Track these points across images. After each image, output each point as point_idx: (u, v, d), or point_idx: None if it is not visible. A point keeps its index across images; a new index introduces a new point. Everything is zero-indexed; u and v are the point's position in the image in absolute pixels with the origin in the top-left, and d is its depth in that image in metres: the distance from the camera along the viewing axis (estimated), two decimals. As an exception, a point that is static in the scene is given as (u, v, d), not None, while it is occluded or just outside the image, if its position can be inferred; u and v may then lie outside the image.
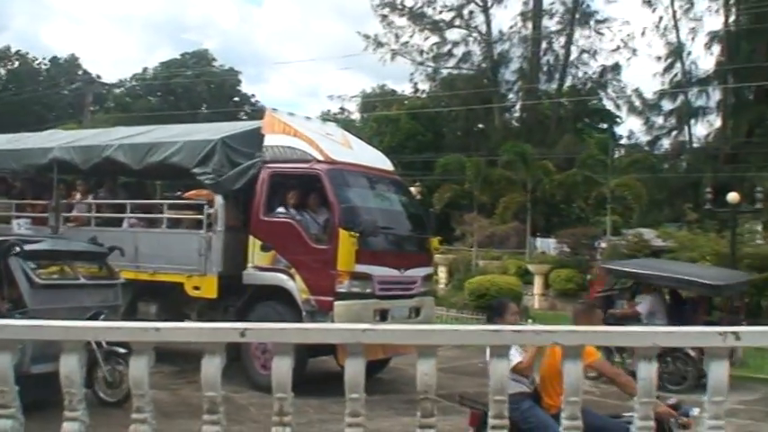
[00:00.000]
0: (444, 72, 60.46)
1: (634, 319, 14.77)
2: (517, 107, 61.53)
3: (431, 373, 4.59)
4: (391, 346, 11.56)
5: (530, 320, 20.67)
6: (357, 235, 12.00)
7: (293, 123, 13.69)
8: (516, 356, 6.26)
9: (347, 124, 53.11)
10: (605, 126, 61.59)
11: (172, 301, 13.66)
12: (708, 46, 55.00)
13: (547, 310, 30.72)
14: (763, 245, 22.88)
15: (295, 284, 12.41)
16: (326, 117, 60.66)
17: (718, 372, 4.60)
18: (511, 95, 61.65)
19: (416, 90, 62.76)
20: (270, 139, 13.38)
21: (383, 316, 12.40)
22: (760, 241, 23.71)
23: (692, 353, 13.43)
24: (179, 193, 15.63)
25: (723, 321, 15.25)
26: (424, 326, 4.92)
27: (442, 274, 33.60)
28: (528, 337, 5.08)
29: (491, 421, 4.67)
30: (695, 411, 5.96)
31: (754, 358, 15.86)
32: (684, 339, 5.21)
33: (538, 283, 32.63)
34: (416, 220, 14.31)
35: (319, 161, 12.85)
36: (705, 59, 75.72)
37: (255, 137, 13.59)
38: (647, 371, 4.57)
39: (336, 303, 11.94)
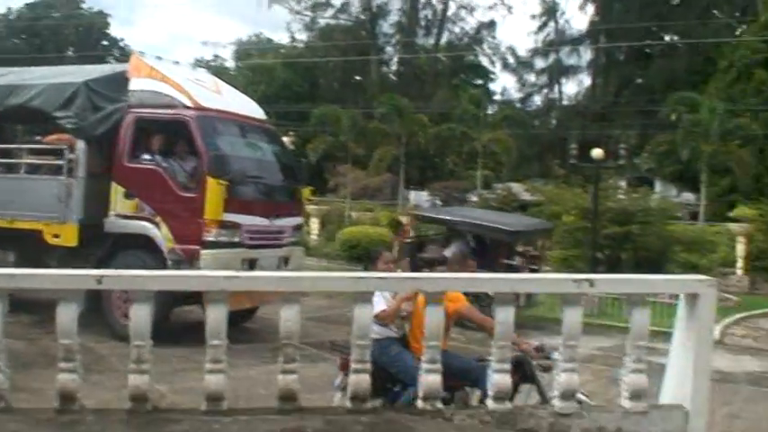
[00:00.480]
0: (322, 22, 60.14)
1: (443, 263, 15.39)
2: (395, 60, 61.83)
3: (294, 320, 4.61)
4: (258, 294, 11.56)
5: (399, 270, 21.01)
6: (225, 183, 11.82)
7: (160, 68, 13.28)
8: (381, 304, 6.37)
9: (221, 72, 51.97)
10: (480, 82, 62.68)
11: (31, 250, 13.10)
12: (582, 6, 56.77)
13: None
14: (624, 200, 23.86)
15: (160, 233, 12.14)
16: (200, 64, 59.24)
17: (572, 318, 4.82)
18: (389, 48, 61.93)
19: (293, 39, 62.30)
20: (136, 84, 12.94)
21: (251, 265, 12.32)
22: (622, 196, 24.72)
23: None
24: (39, 137, 14.95)
25: (522, 267, 16.08)
26: (287, 273, 4.94)
27: (315, 225, 33.60)
28: (392, 284, 5.19)
29: (353, 365, 4.75)
30: (556, 354, 6.23)
31: (612, 307, 16.67)
32: (540, 286, 5.42)
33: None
34: (288, 170, 14.21)
35: (187, 107, 12.53)
36: (579, 19, 77.94)
37: (121, 81, 13.11)
38: (505, 315, 4.74)
39: (203, 252, 11.77)
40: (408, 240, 17.65)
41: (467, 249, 15.76)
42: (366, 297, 4.69)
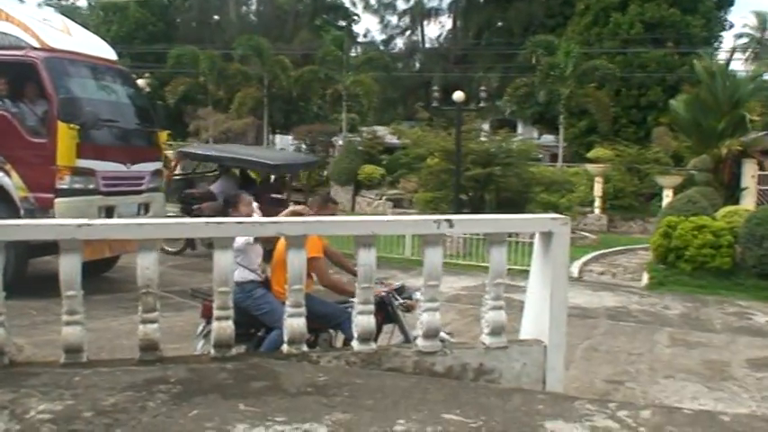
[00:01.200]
0: (176, -42, 57.90)
1: (210, 198, 16.10)
2: (254, 0, 60.56)
3: (152, 268, 4.54)
4: (118, 243, 11.26)
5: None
6: (77, 128, 11.35)
7: (4, 7, 12.52)
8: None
9: (72, 12, 49.58)
10: (343, 23, 62.26)
11: None
12: (442, -53, 56.89)
13: (283, 207, 31.19)
14: (486, 142, 24.35)
15: (11, 181, 11.56)
16: (49, 3, 56.26)
17: (432, 258, 4.95)
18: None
19: (147, -23, 59.68)
20: (-23, 25, 12.18)
21: (109, 213, 11.96)
22: (484, 139, 25.20)
23: None
24: None
25: (288, 200, 16.56)
26: (142, 220, 4.82)
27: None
28: (252, 229, 5.15)
29: (216, 312, 4.74)
30: (418, 294, 6.36)
31: (477, 247, 17.13)
32: (400, 227, 5.52)
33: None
34: (143, 113, 13.76)
35: (35, 48, 11.88)
36: (440, -40, 77.95)
37: (-41, 21, 12.30)
38: (366, 257, 4.81)
39: (57, 200, 11.31)
40: (176, 177, 17.96)
41: (233, 185, 16.19)
42: (226, 243, 4.65)
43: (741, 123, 22.26)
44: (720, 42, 44.96)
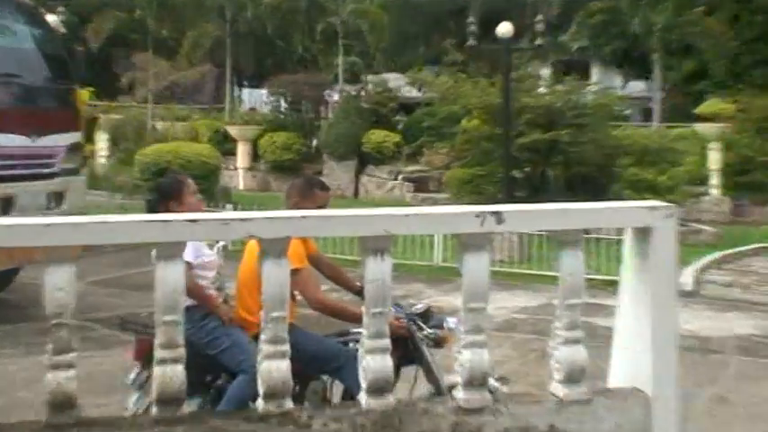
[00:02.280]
0: None
1: None
2: None
3: (66, 287, 4.46)
4: (18, 251, 11.26)
5: (229, 207, 20.94)
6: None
7: None
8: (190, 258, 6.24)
9: None
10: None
11: None
12: None
13: (258, 192, 31.27)
14: (547, 94, 24.27)
15: None
16: None
17: (475, 268, 4.83)
18: None
19: None
20: None
21: (6, 206, 12.01)
22: (543, 90, 25.13)
23: None
24: None
25: None
26: (57, 219, 4.74)
27: (103, 143, 33.04)
28: (212, 229, 5.06)
29: (158, 353, 4.63)
30: (452, 322, 6.27)
31: (540, 249, 17.01)
32: (427, 224, 5.42)
33: (243, 152, 33.02)
34: (54, 64, 13.78)
35: None
36: None
37: None
38: (378, 269, 4.71)
39: None
40: None
41: None
42: (174, 251, 4.57)
43: None
44: None
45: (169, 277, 4.55)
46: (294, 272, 6.15)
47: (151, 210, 6.46)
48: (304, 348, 5.76)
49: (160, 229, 4.60)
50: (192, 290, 6.23)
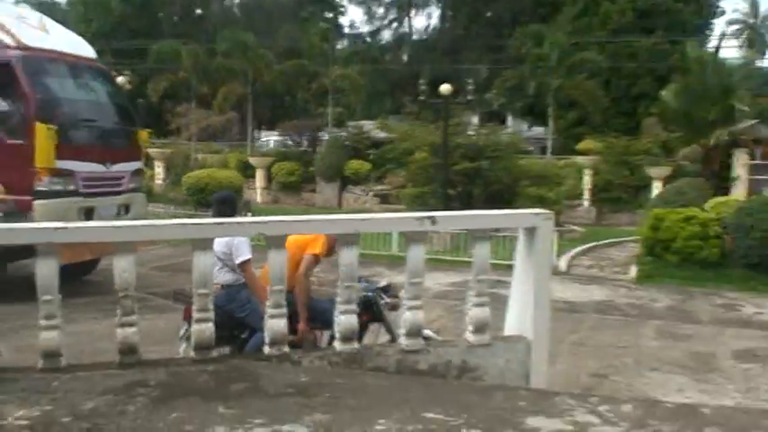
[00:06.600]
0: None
1: None
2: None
3: (129, 270, 4.56)
4: (98, 245, 11.26)
5: (249, 214, 20.96)
6: (55, 128, 11.37)
7: (-21, 6, 12.55)
8: (247, 249, 6.37)
9: (51, 8, 49.26)
10: (330, 15, 62.20)
11: None
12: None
13: (270, 204, 31.23)
14: (474, 136, 24.46)
15: (-11, 184, 11.60)
16: (27, 0, 55.93)
17: (415, 255, 4.99)
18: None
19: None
20: (-49, 23, 12.14)
21: (89, 215, 11.98)
22: (472, 133, 25.29)
23: None
24: None
25: None
26: (121, 222, 4.84)
27: (159, 169, 32.89)
28: (232, 230, 5.19)
29: (195, 314, 4.76)
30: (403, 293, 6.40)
31: (465, 242, 17.10)
32: (383, 225, 5.56)
33: (260, 176, 32.97)
34: (122, 112, 13.75)
35: (11, 47, 11.88)
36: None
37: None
38: (349, 256, 4.85)
39: (36, 203, 11.31)
40: None
41: None
42: (205, 244, 4.68)
43: (731, 113, 22.45)
44: (712, 30, 45.22)
45: (201, 263, 4.67)
46: (308, 258, 6.36)
47: (221, 214, 6.49)
48: (315, 307, 5.91)
49: (196, 230, 4.73)
50: (255, 280, 6.42)
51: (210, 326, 4.72)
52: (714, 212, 16.29)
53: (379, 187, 30.99)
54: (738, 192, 22.53)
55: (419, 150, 24.74)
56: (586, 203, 27.75)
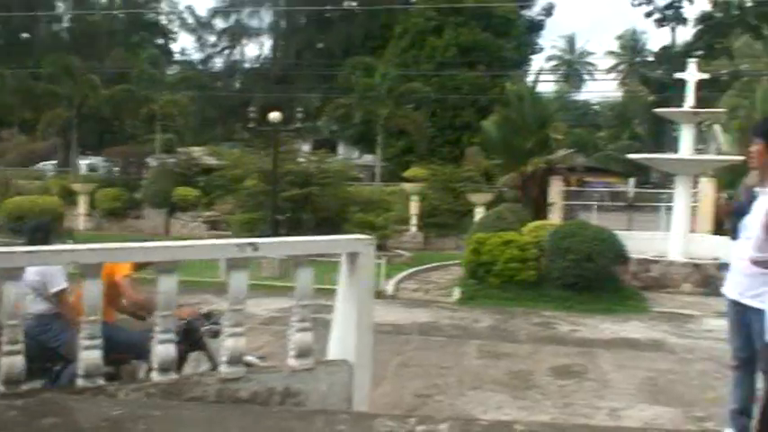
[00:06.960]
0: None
1: None
2: (67, 17, 58.24)
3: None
4: None
5: (69, 241, 20.06)
6: None
7: None
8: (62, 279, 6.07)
9: None
10: (161, 42, 61.00)
11: None
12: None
13: (95, 231, 30.00)
14: (304, 162, 24.48)
15: None
16: None
17: (237, 282, 4.91)
18: (59, 3, 58.17)
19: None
20: None
21: None
22: (302, 160, 25.30)
23: None
24: None
25: None
26: None
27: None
28: (44, 257, 4.93)
29: (4, 346, 4.48)
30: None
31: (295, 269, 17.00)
32: (204, 252, 5.45)
33: (83, 202, 31.66)
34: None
35: None
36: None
37: None
38: (167, 284, 4.71)
39: None
40: None
41: None
42: (15, 273, 4.43)
43: (547, 142, 23.57)
44: (530, 65, 47.55)
45: (12, 292, 4.41)
46: (124, 281, 6.11)
47: (34, 242, 6.13)
48: (117, 339, 5.66)
49: (5, 258, 4.46)
50: (71, 310, 6.07)
51: (20, 358, 4.46)
52: (531, 236, 16.94)
53: (208, 214, 30.37)
54: (555, 216, 23.57)
55: (250, 177, 24.50)
56: (414, 229, 28.24)
